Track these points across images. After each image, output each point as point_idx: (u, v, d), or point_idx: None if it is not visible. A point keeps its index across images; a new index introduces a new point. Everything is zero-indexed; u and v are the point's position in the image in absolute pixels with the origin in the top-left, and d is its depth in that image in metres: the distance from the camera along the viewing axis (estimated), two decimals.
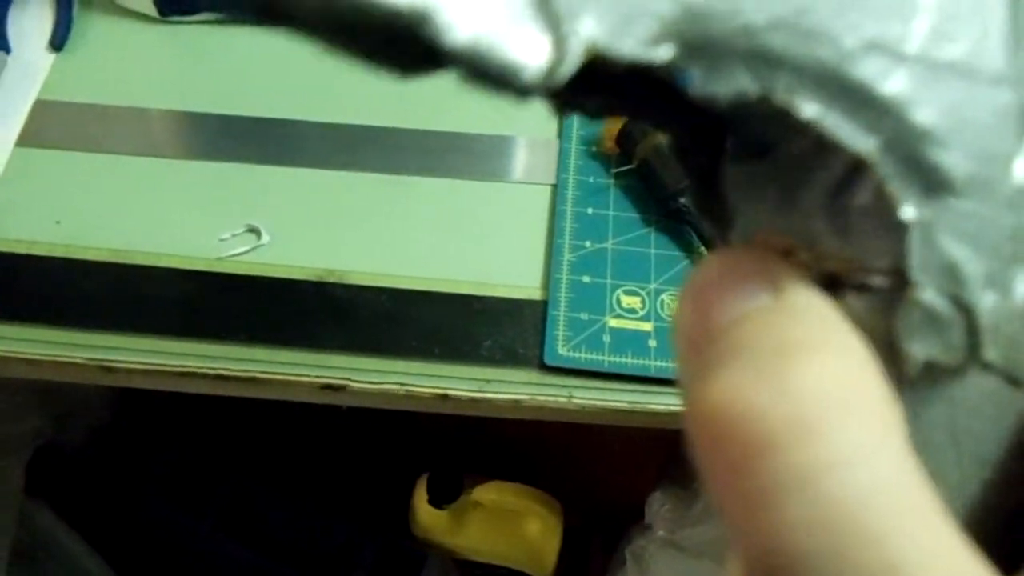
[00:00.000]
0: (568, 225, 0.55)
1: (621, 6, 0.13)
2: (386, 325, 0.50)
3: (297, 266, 0.53)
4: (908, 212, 0.14)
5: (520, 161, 0.59)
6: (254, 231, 0.54)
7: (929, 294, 0.14)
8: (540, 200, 0.57)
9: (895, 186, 0.14)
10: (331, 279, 0.52)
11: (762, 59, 0.13)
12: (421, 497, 0.86)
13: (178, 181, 0.56)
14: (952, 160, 0.14)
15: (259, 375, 0.50)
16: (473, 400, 0.50)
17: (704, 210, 0.16)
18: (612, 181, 0.57)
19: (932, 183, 0.14)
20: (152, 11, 0.61)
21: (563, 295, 0.52)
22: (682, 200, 0.54)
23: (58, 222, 0.53)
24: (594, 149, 0.59)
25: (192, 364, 0.50)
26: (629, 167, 0.56)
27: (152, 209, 0.55)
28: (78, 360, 0.50)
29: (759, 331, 0.14)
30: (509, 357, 0.50)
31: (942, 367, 0.14)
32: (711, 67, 0.13)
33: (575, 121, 0.60)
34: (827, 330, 0.14)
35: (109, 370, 0.50)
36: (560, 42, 0.12)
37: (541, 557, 0.84)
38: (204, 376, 0.50)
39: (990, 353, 0.14)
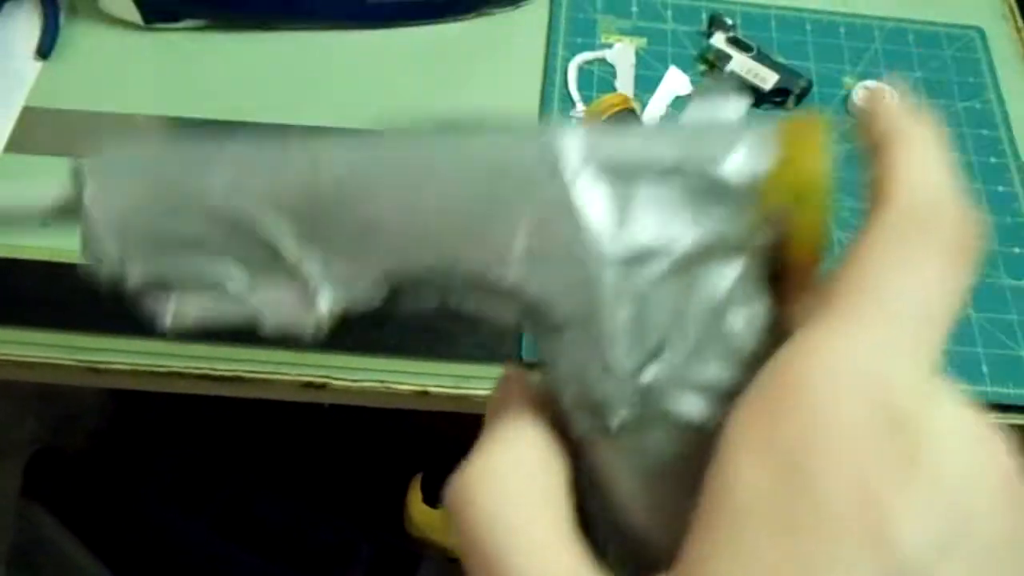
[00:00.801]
0: None
1: (342, 281, 0.22)
2: (366, 323, 0.51)
3: None
4: (541, 346, 0.23)
5: None
6: None
7: (569, 392, 0.22)
8: None
9: (529, 332, 0.23)
10: None
11: (432, 284, 0.22)
12: (415, 496, 0.87)
13: None
14: (558, 312, 0.22)
15: (242, 374, 0.51)
16: (452, 396, 0.51)
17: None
18: None
19: (548, 327, 0.22)
20: (137, 18, 0.62)
21: None
22: None
23: (44, 225, 0.54)
24: None
25: (177, 364, 0.51)
26: None
27: None
28: (67, 362, 0.51)
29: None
30: (488, 353, 0.51)
31: (603, 431, 0.22)
32: (413, 294, 0.23)
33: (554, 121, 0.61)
34: (502, 434, 0.22)
35: (97, 371, 0.51)
36: (319, 310, 0.22)
37: None
38: (188, 376, 0.51)
39: (615, 420, 0.22)
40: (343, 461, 0.91)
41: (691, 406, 0.22)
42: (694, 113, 0.24)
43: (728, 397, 0.21)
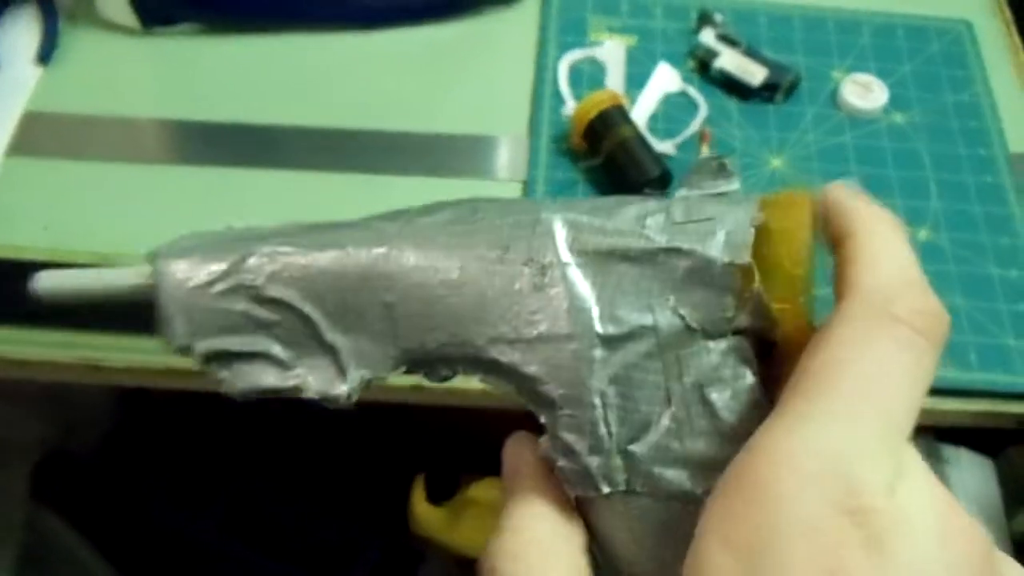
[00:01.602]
0: None
1: (368, 357, 0.25)
2: None
3: None
4: (539, 418, 0.25)
5: (494, 159, 0.60)
6: None
7: (561, 464, 0.24)
8: (512, 195, 0.58)
9: (529, 405, 0.25)
10: None
11: (444, 360, 0.25)
12: (419, 495, 0.87)
13: (163, 186, 0.58)
14: (550, 389, 0.24)
15: None
16: (446, 391, 0.51)
17: None
18: (580, 175, 0.59)
19: (544, 403, 0.25)
20: (135, 23, 0.63)
21: None
22: (646, 191, 0.55)
23: (45, 228, 0.55)
24: (563, 145, 0.60)
25: (176, 361, 0.52)
26: (596, 161, 0.58)
27: (138, 214, 0.56)
28: (68, 360, 0.52)
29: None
30: None
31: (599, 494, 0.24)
32: (429, 368, 0.26)
33: (545, 118, 0.62)
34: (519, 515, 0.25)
35: (98, 369, 0.52)
36: (350, 383, 0.26)
37: None
38: (188, 373, 0.52)
39: (605, 488, 0.24)
40: (347, 461, 0.91)
41: (677, 478, 0.24)
42: (686, 192, 0.26)
43: (713, 469, 0.22)
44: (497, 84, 0.64)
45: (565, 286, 0.25)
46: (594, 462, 0.24)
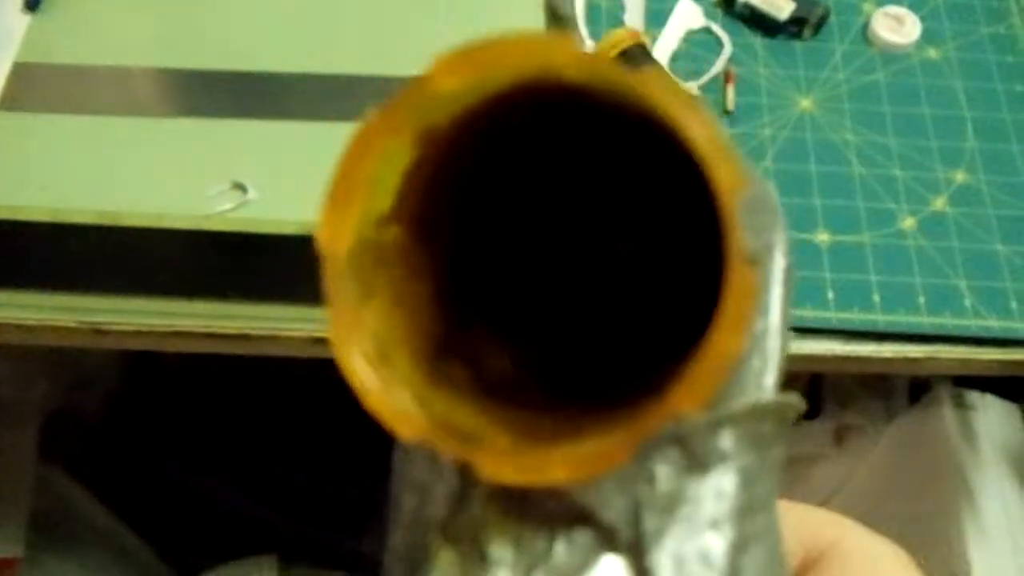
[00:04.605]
0: None
1: None
2: None
3: (284, 220, 0.52)
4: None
5: None
6: (240, 187, 0.53)
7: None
8: None
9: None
10: None
11: None
12: None
13: (162, 140, 0.55)
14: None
15: (250, 331, 0.50)
16: None
17: None
18: None
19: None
20: None
21: None
22: None
23: (43, 187, 0.53)
24: None
25: (183, 323, 0.50)
26: None
27: (137, 169, 0.54)
28: (71, 324, 0.50)
29: None
30: None
31: None
32: None
33: None
34: None
35: (101, 332, 0.50)
36: None
37: None
38: (195, 335, 0.50)
39: None
40: (359, 421, 0.90)
41: None
42: None
43: None
44: (512, 23, 0.61)
45: None
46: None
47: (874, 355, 0.52)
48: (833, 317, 0.51)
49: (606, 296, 0.21)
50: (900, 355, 0.51)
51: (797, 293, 0.52)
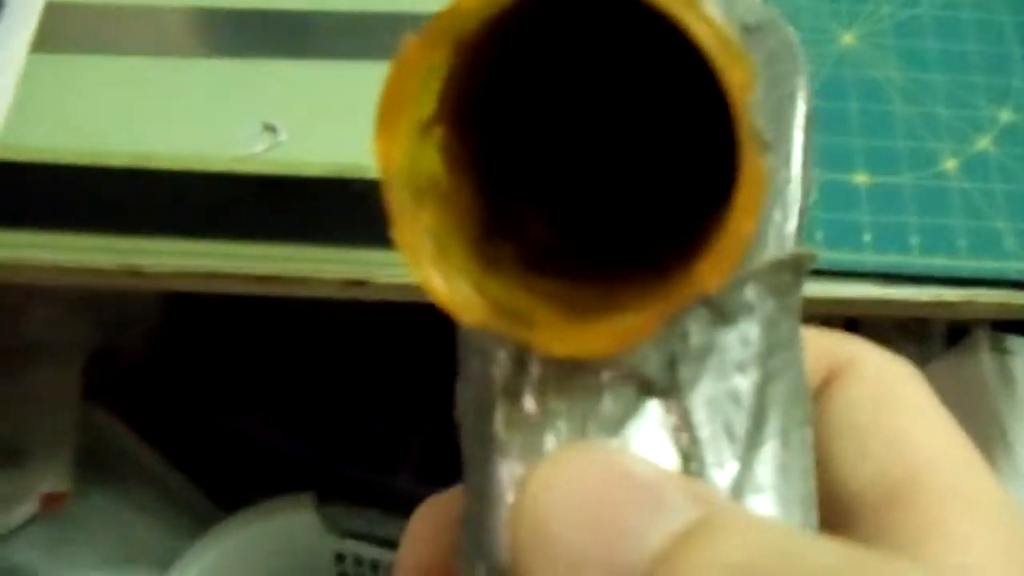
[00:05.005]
0: None
1: None
2: None
3: (316, 162, 0.52)
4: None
5: None
6: (271, 128, 0.53)
7: None
8: None
9: None
10: (350, 174, 0.51)
11: None
12: None
13: (193, 81, 0.55)
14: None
15: (284, 273, 0.50)
16: None
17: None
18: None
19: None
20: None
21: None
22: None
23: (76, 128, 0.53)
24: None
25: (218, 265, 0.50)
26: None
27: (169, 110, 0.54)
28: (107, 265, 0.50)
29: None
30: None
31: None
32: None
33: None
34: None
35: (138, 274, 0.51)
36: None
37: None
38: (230, 276, 0.50)
39: None
40: (393, 360, 0.91)
41: None
42: None
43: None
44: None
45: None
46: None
47: (912, 299, 0.51)
48: (869, 260, 0.51)
49: (632, 167, 0.23)
50: (938, 299, 0.51)
51: (832, 235, 0.52)
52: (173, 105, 0.54)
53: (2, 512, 0.76)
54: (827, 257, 0.51)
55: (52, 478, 0.77)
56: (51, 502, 0.77)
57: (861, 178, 0.53)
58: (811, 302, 0.50)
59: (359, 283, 0.49)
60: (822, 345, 0.21)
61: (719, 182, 0.17)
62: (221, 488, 0.85)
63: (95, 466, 0.82)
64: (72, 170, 0.52)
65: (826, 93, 0.55)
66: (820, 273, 0.51)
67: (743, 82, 0.15)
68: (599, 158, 0.23)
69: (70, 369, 0.81)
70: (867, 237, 0.51)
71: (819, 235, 0.51)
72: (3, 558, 0.77)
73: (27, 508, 0.76)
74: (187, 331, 0.88)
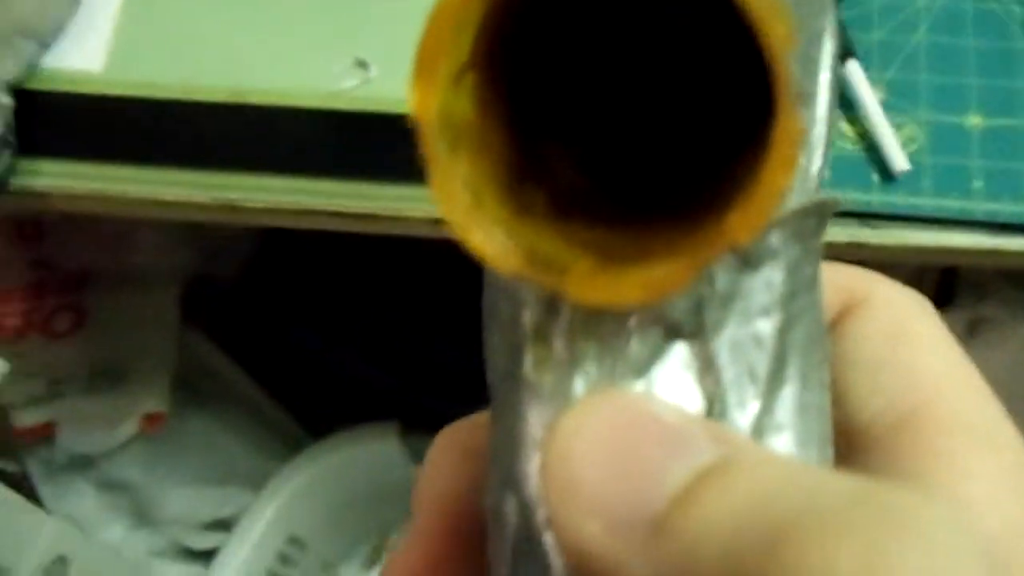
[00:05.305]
0: None
1: None
2: None
3: (405, 100, 0.51)
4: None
5: None
6: (362, 64, 0.53)
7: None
8: None
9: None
10: None
11: None
12: None
13: (287, 15, 0.55)
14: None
15: (375, 211, 0.50)
16: None
17: None
18: None
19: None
20: None
21: None
22: None
23: (176, 62, 0.54)
24: None
25: (311, 202, 0.51)
26: None
27: (264, 45, 0.54)
28: (206, 200, 0.51)
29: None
30: None
31: None
32: None
33: None
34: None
35: (235, 209, 0.52)
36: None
37: None
38: (324, 213, 0.51)
39: None
40: (478, 294, 0.91)
41: None
42: None
43: None
44: None
45: None
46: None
47: (1022, 249, 0.48)
48: (979, 208, 0.48)
49: (662, 112, 0.23)
50: None
51: (940, 181, 0.49)
52: (268, 40, 0.54)
53: (105, 431, 0.80)
54: (932, 204, 0.48)
55: (152, 400, 0.80)
56: (151, 422, 0.81)
57: (975, 120, 0.50)
58: (913, 250, 0.49)
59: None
60: (838, 280, 0.21)
61: (751, 127, 0.17)
62: (310, 414, 0.87)
63: (192, 389, 0.85)
64: (171, 105, 0.53)
65: (942, 27, 0.52)
66: (924, 221, 0.48)
67: (783, 36, 0.15)
68: (629, 103, 0.23)
69: (170, 294, 0.83)
70: (977, 183, 0.49)
71: (925, 181, 0.49)
72: (106, 474, 0.81)
73: (128, 428, 0.80)
74: (279, 260, 0.90)
